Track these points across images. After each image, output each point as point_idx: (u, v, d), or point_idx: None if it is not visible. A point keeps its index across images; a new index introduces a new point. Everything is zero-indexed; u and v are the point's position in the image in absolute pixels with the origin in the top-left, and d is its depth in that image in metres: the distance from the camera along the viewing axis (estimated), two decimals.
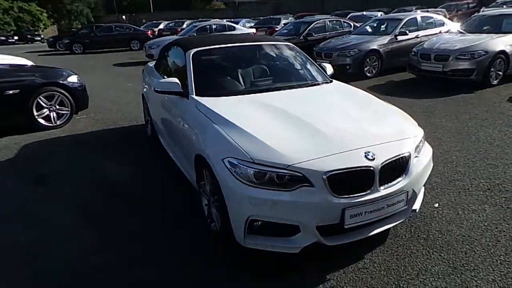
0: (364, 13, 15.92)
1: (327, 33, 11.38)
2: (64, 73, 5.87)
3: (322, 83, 3.60)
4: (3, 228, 3.03)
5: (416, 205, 2.67)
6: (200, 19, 21.06)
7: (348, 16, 15.81)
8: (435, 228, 2.78)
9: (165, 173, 4.00)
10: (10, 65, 6.37)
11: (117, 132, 5.59)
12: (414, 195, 2.56)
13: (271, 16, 19.36)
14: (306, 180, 2.19)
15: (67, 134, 5.47)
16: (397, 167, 2.41)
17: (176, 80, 3.26)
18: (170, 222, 3.04)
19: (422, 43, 8.57)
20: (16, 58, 8.42)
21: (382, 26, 10.13)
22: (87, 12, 46.43)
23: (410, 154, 2.47)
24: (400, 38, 9.27)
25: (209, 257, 2.57)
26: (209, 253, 2.61)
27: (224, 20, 17.75)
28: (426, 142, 2.90)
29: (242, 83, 3.43)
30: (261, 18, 20.24)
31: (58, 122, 5.70)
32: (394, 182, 2.37)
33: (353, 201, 2.22)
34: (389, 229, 2.70)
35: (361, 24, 11.45)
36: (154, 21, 26.85)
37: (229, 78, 3.46)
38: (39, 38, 33.95)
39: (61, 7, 43.16)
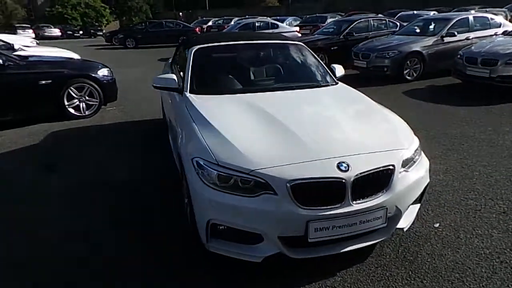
0: (415, 12, 14.95)
1: (370, 33, 10.86)
2: (95, 66, 6.19)
3: (325, 85, 3.42)
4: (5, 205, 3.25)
5: (403, 224, 2.44)
6: (247, 16, 21.19)
7: (398, 15, 14.98)
8: (426, 251, 2.52)
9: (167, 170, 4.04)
10: (55, 57, 6.83)
11: (140, 125, 5.78)
12: (398, 213, 2.34)
13: (317, 15, 18.95)
14: (269, 187, 2.08)
15: (93, 124, 5.76)
16: (376, 180, 2.20)
17: (173, 76, 3.28)
18: (152, 219, 3.05)
19: (470, 45, 7.88)
20: (63, 51, 9.07)
21: (429, 27, 9.45)
22: (146, 9, 48.79)
23: (394, 168, 2.24)
24: (447, 39, 8.59)
25: (175, 256, 2.54)
26: (178, 253, 2.58)
27: (268, 18, 17.67)
28: (423, 156, 2.63)
29: (240, 82, 3.36)
30: (307, 16, 19.89)
31: (87, 112, 6.03)
32: (370, 197, 2.18)
33: (318, 214, 2.07)
34: (374, 246, 2.51)
35: (407, 23, 10.79)
36: (204, 18, 27.51)
37: (227, 76, 3.41)
38: (101, 33, 36.24)
39: (122, 3, 45.83)
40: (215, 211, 2.16)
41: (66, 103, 5.78)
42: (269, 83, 3.39)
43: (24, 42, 10.47)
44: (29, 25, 34.42)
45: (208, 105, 2.84)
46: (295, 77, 3.57)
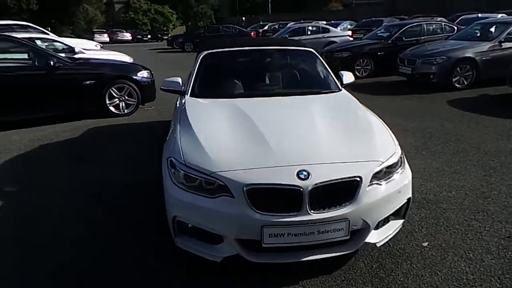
0: (480, 15, 13.73)
1: (422, 38, 10.25)
2: (136, 69, 6.68)
3: (326, 92, 3.37)
4: (31, 192, 3.68)
5: (375, 239, 2.34)
6: (302, 21, 21.12)
7: (460, 19, 13.90)
8: (402, 270, 2.39)
9: None
10: (104, 60, 7.49)
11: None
12: (366, 227, 2.25)
13: (373, 18, 18.27)
14: (228, 190, 2.14)
15: (129, 122, 6.23)
16: (339, 191, 2.15)
17: (178, 79, 3.47)
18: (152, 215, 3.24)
19: None
20: (118, 54, 9.87)
21: (486, 31, 8.67)
22: (210, 14, 50.89)
23: (360, 180, 2.17)
24: (506, 45, 7.83)
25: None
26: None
27: (320, 22, 17.45)
28: (407, 170, 2.50)
29: (242, 87, 3.45)
30: (363, 20, 19.26)
31: (126, 111, 6.53)
32: (331, 208, 2.13)
33: (273, 220, 2.08)
34: (349, 257, 2.45)
35: (464, 27, 10.00)
36: (261, 23, 27.96)
37: (230, 81, 3.52)
38: (166, 37, 38.51)
39: (188, 9, 48.28)
40: (179, 209, 2.27)
41: (107, 101, 6.32)
42: (269, 89, 3.43)
43: (88, 45, 11.57)
44: (104, 30, 37.78)
45: (199, 108, 2.98)
46: (297, 83, 3.56)
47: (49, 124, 5.94)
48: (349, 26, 18.77)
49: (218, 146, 2.38)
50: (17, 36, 6.69)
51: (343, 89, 3.48)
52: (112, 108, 6.40)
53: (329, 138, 2.48)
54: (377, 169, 2.27)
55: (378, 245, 2.39)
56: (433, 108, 6.66)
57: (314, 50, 3.82)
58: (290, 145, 2.37)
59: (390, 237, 2.47)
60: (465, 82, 7.99)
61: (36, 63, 5.80)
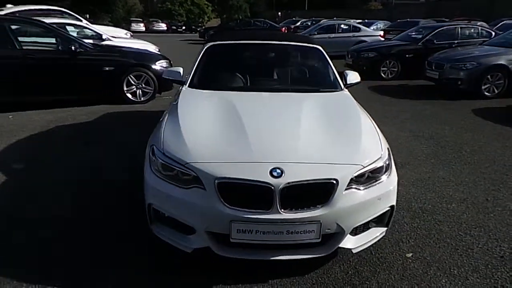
0: None
1: (455, 41, 9.77)
2: (155, 58, 6.81)
3: (326, 91, 3.29)
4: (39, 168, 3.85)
5: (351, 244, 2.27)
6: (334, 18, 20.69)
7: (501, 24, 13.11)
8: (378, 279, 2.30)
9: None
10: (126, 48, 7.66)
11: None
12: (341, 231, 2.18)
13: (408, 19, 17.58)
14: (200, 182, 2.13)
15: (144, 110, 6.36)
16: (312, 192, 2.10)
17: (179, 69, 3.50)
18: None
19: None
20: (144, 43, 10.09)
21: None
22: (245, 7, 50.92)
23: (336, 183, 2.10)
24: None
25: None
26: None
27: (352, 21, 17.01)
28: (392, 177, 2.39)
29: (242, 80, 3.42)
30: (398, 20, 18.58)
31: (142, 99, 6.67)
32: (303, 209, 2.08)
33: (242, 215, 2.06)
34: (326, 261, 2.39)
35: (501, 33, 9.43)
36: (294, 18, 27.65)
37: (230, 73, 3.50)
38: (199, 29, 38.91)
39: (224, 2, 48.59)
40: (154, 196, 2.30)
41: (125, 88, 6.48)
42: (268, 84, 3.39)
43: (118, 33, 11.90)
44: (141, 19, 38.73)
45: (192, 99, 2.99)
46: (298, 80, 3.49)
47: (69, 107, 6.17)
48: (382, 26, 18.17)
49: (198, 137, 2.38)
50: (47, 21, 6.96)
51: (344, 89, 3.38)
52: (129, 95, 6.56)
53: (312, 138, 2.41)
54: (357, 173, 2.19)
55: (354, 251, 2.31)
56: (455, 115, 6.34)
57: (322, 47, 3.72)
58: (270, 141, 2.33)
59: (368, 244, 2.39)
60: (496, 91, 7.56)
61: (60, 48, 6.04)
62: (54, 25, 6.67)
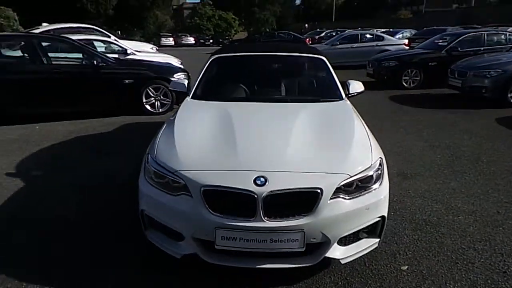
0: None
1: (481, 48, 9.43)
2: (174, 70, 7.03)
3: (326, 100, 3.29)
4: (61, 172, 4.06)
5: (340, 255, 2.25)
6: (359, 28, 20.49)
7: None
8: None
9: None
10: (147, 61, 7.96)
11: None
12: (327, 240, 2.17)
13: (435, 27, 17.12)
14: (187, 189, 2.19)
15: (162, 120, 6.51)
16: (297, 201, 2.10)
17: (184, 81, 3.63)
18: None
19: None
20: (167, 56, 10.44)
21: None
22: (271, 20, 51.60)
23: (321, 192, 2.10)
24: None
25: None
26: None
27: (375, 30, 16.80)
28: (382, 187, 2.34)
29: (243, 91, 3.48)
30: (424, 28, 18.14)
31: (161, 110, 6.89)
32: (287, 217, 2.09)
33: (226, 222, 2.09)
34: (318, 271, 2.37)
35: None
36: (318, 30, 27.67)
37: (232, 85, 3.58)
38: (225, 42, 39.72)
39: (251, 15, 49.48)
40: (146, 203, 2.38)
41: (144, 100, 6.73)
42: (269, 95, 3.43)
43: (145, 48, 12.40)
44: (170, 34, 40.10)
45: (192, 109, 3.08)
46: (299, 90, 3.51)
47: (91, 118, 6.48)
48: (408, 35, 17.81)
49: (189, 146, 2.45)
50: (74, 37, 7.39)
51: (345, 98, 3.36)
52: (148, 107, 6.80)
53: (301, 147, 2.41)
54: (343, 183, 2.17)
55: (343, 262, 2.28)
56: (477, 124, 6.09)
57: (324, 57, 3.73)
58: (257, 151, 2.37)
59: (359, 255, 2.35)
60: None
61: (84, 62, 6.38)
62: (81, 42, 7.09)
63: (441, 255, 2.60)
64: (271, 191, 2.07)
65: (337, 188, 2.16)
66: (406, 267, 2.48)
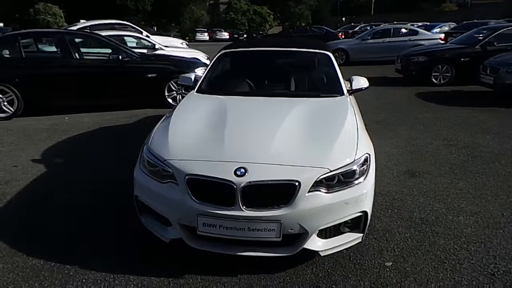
0: None
1: None
2: (196, 65, 7.23)
3: (327, 96, 3.30)
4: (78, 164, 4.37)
5: (319, 247, 2.30)
6: (395, 22, 19.81)
7: None
8: (347, 284, 2.28)
9: None
10: (173, 56, 8.23)
11: None
12: (304, 232, 2.22)
13: (476, 21, 16.19)
14: (174, 177, 2.33)
15: None
16: (275, 193, 2.17)
17: (191, 75, 3.76)
18: None
19: None
20: (195, 52, 10.71)
21: None
22: (307, 15, 50.93)
23: (298, 184, 2.15)
24: None
25: None
26: None
27: (409, 24, 16.16)
28: (367, 182, 2.35)
29: (244, 86, 3.57)
30: (464, 22, 17.17)
31: None
32: (265, 207, 2.17)
33: (207, 210, 2.20)
34: (301, 262, 2.43)
35: None
36: (352, 24, 27.00)
37: (234, 79, 3.67)
38: (259, 36, 39.76)
39: (287, 9, 49.13)
40: (139, 189, 2.53)
41: (166, 93, 6.99)
42: (272, 89, 3.48)
43: (175, 43, 12.79)
44: (205, 29, 40.78)
45: (192, 102, 3.21)
46: (301, 85, 3.53)
47: (116, 111, 6.83)
48: (446, 29, 16.98)
49: (181, 137, 2.58)
50: (104, 33, 7.79)
51: (346, 94, 3.34)
52: (170, 100, 7.04)
53: (287, 140, 2.47)
54: (323, 176, 2.21)
55: (322, 254, 2.33)
56: (504, 124, 5.79)
57: (330, 52, 3.72)
58: (243, 143, 2.45)
59: (339, 248, 2.38)
60: None
61: (110, 57, 6.73)
62: (111, 37, 7.46)
63: (430, 254, 2.57)
64: (249, 182, 2.15)
65: (316, 182, 2.21)
66: (390, 263, 2.48)
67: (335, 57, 3.75)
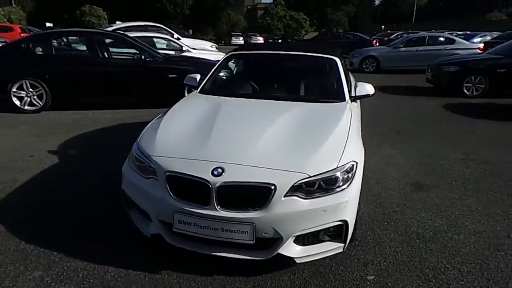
0: None
1: None
2: (213, 66, 7.32)
3: (326, 101, 3.23)
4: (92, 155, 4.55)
5: (295, 253, 2.25)
6: (433, 30, 19.06)
7: None
8: None
9: None
10: (195, 57, 8.40)
11: None
12: (279, 237, 2.18)
13: None
14: (155, 173, 2.36)
15: None
16: (250, 195, 2.15)
17: (197, 76, 3.81)
18: None
19: None
20: (220, 54, 10.85)
21: None
22: (344, 21, 50.30)
23: (274, 188, 2.12)
24: None
25: None
26: None
27: (446, 33, 15.48)
28: (348, 190, 2.27)
29: (244, 87, 3.57)
30: (508, 32, 16.18)
31: None
32: (239, 209, 2.15)
33: (182, 207, 2.21)
34: (280, 268, 2.38)
35: None
36: (388, 31, 26.29)
37: (237, 81, 3.69)
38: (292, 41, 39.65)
39: (324, 16, 48.79)
40: (125, 183, 2.60)
41: (186, 93, 7.09)
42: (272, 92, 3.45)
43: (204, 46, 13.04)
44: (241, 34, 41.31)
45: (190, 102, 3.28)
46: (302, 90, 3.47)
47: (138, 109, 7.05)
48: (488, 38, 16.11)
49: (167, 135, 2.62)
50: (136, 35, 8.09)
51: (348, 100, 3.25)
52: None
53: (270, 144, 2.43)
54: (301, 181, 2.16)
55: (298, 261, 2.27)
56: None
57: (338, 58, 3.64)
58: (226, 144, 2.45)
59: (317, 257, 2.32)
60: None
61: (134, 57, 6.97)
62: (138, 39, 7.73)
63: (417, 271, 2.43)
64: (225, 182, 2.14)
65: (294, 187, 2.16)
66: (373, 277, 2.37)
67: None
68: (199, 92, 3.58)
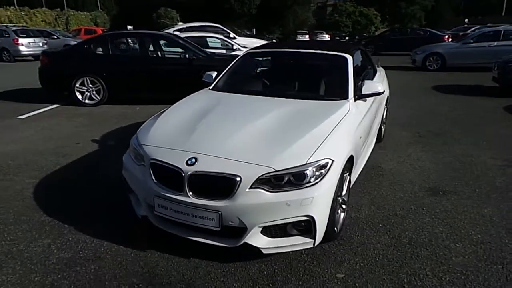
0: None
1: None
2: None
3: (330, 99, 3.20)
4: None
5: (260, 244, 2.33)
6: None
7: None
8: (286, 285, 2.26)
9: None
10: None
11: None
12: (244, 227, 2.28)
13: None
14: (144, 160, 2.61)
15: None
16: (218, 184, 2.28)
17: (213, 73, 4.02)
18: None
19: None
20: None
21: None
22: (420, 16, 46.87)
23: (239, 180, 2.22)
24: None
25: None
26: None
27: None
28: (317, 187, 2.28)
29: (254, 85, 3.67)
30: None
31: None
32: (207, 197, 2.30)
33: (160, 192, 2.42)
34: (254, 258, 2.48)
35: None
36: (465, 26, 23.98)
37: (251, 78, 3.78)
38: (357, 38, 38.02)
39: (397, 10, 45.99)
40: (124, 170, 2.89)
41: None
42: (278, 90, 3.49)
43: (256, 44, 13.28)
44: (306, 31, 40.79)
45: (197, 97, 3.48)
46: (308, 87, 3.47)
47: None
48: None
49: (162, 126, 2.86)
50: (183, 35, 8.60)
51: (351, 99, 3.17)
52: None
53: (249, 138, 2.52)
54: (267, 175, 2.24)
55: (264, 251, 2.35)
56: None
57: (349, 55, 3.54)
58: (207, 136, 2.60)
59: (285, 250, 2.39)
60: None
61: (180, 56, 7.45)
62: (189, 39, 8.22)
63: (393, 275, 2.35)
64: (195, 171, 2.31)
65: (259, 179, 2.25)
66: (342, 275, 2.35)
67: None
68: (211, 89, 3.78)
